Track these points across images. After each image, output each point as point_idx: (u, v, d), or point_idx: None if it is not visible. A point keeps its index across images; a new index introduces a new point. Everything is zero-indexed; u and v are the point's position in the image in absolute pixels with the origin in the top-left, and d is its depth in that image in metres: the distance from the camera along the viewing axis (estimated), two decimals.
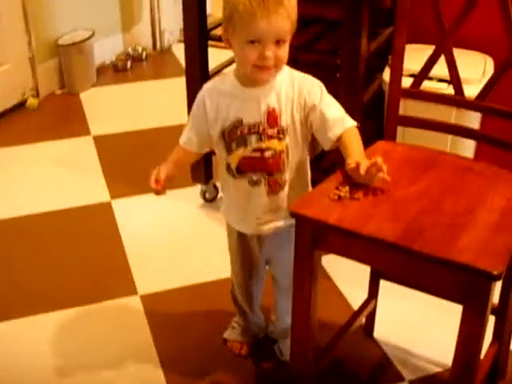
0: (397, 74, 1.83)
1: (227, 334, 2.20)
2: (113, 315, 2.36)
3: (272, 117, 1.72)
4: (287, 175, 1.80)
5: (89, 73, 4.05)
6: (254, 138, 1.74)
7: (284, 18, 1.60)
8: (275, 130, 1.73)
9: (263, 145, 1.74)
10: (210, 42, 2.67)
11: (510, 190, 1.67)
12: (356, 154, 1.66)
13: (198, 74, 2.65)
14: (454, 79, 1.80)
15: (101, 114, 3.76)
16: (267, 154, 1.75)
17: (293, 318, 1.77)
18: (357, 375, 2.14)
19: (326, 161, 2.54)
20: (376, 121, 2.71)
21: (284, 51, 1.64)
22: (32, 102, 3.81)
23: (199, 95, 1.80)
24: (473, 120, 2.42)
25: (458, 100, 1.83)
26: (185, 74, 2.71)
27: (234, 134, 1.75)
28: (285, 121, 1.73)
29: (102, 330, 2.29)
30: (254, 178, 1.78)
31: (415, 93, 1.86)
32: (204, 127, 1.79)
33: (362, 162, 1.61)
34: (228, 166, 1.80)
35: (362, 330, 2.25)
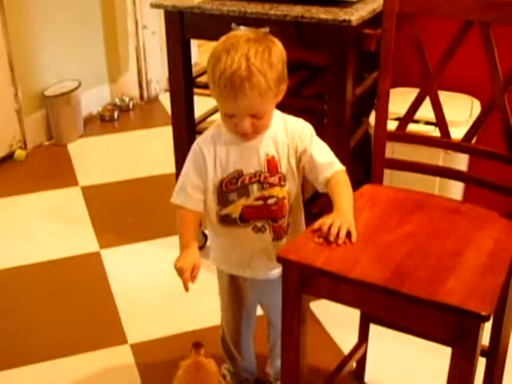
0: (382, 116, 1.85)
1: None
2: (103, 364, 2.33)
3: (272, 165, 1.73)
4: (290, 219, 1.81)
5: (76, 124, 4.06)
6: (255, 187, 1.74)
7: (255, 98, 1.57)
8: (276, 178, 1.74)
9: (266, 193, 1.75)
10: (196, 90, 2.70)
11: (497, 231, 1.68)
12: (338, 205, 1.66)
13: (184, 122, 2.68)
14: (440, 121, 1.83)
15: (88, 165, 3.77)
16: (270, 201, 1.75)
17: (282, 363, 1.75)
18: None
19: (314, 207, 2.55)
20: (363, 164, 2.73)
21: (264, 120, 1.66)
22: (20, 153, 3.82)
23: (194, 148, 1.76)
24: (460, 162, 2.44)
25: (444, 142, 1.85)
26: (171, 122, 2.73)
27: (233, 185, 1.74)
28: (284, 167, 1.74)
29: (94, 380, 2.27)
30: (259, 224, 1.78)
31: (401, 135, 1.88)
32: (204, 177, 1.74)
33: (323, 227, 1.61)
34: (225, 217, 1.78)
35: (352, 375, 2.23)
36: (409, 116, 1.86)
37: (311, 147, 1.73)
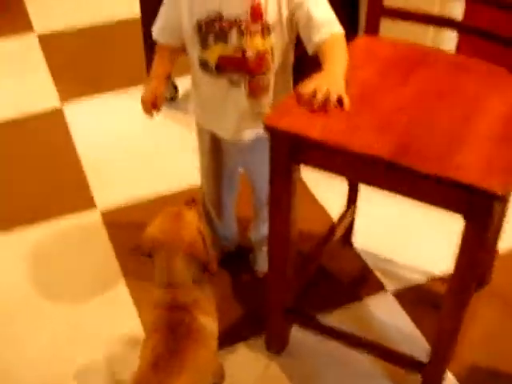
0: None
1: None
2: (72, 231, 2.19)
3: (256, 11, 1.53)
4: (271, 78, 1.63)
5: None
6: (234, 35, 1.56)
7: None
8: (259, 26, 1.54)
9: (245, 43, 1.55)
10: None
11: (507, 91, 1.50)
12: (327, 66, 1.47)
13: None
14: None
15: (44, 7, 3.43)
16: (249, 53, 1.57)
17: (270, 235, 1.62)
18: (338, 287, 2.03)
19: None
20: (349, 8, 2.49)
21: None
22: None
23: None
24: (455, 10, 2.22)
25: None
26: None
27: (211, 28, 1.56)
28: (271, 16, 1.54)
29: (61, 246, 2.15)
30: (235, 77, 1.61)
31: None
32: (176, 12, 1.60)
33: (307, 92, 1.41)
34: (205, 63, 1.62)
35: (341, 240, 2.10)
36: None
37: (309, 1, 1.53)
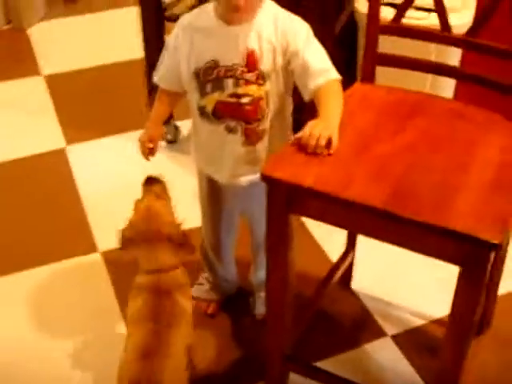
0: (374, 6, 1.63)
1: (194, 291, 2.00)
2: (73, 274, 2.21)
3: (251, 59, 1.58)
4: (267, 125, 1.66)
5: (36, 5, 3.73)
6: (230, 82, 1.60)
7: None
8: (254, 75, 1.59)
9: (240, 90, 1.60)
10: None
11: (503, 138, 1.52)
12: (322, 112, 1.50)
13: (152, 8, 2.45)
14: (439, 8, 1.60)
15: (51, 51, 3.46)
16: (244, 100, 1.61)
17: (268, 282, 1.62)
18: (337, 331, 2.03)
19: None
20: (347, 51, 2.52)
21: None
22: None
23: (174, 30, 1.68)
24: (453, 57, 2.25)
25: (446, 37, 1.63)
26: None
27: (208, 76, 1.61)
28: (265, 65, 1.59)
29: (62, 285, 2.17)
30: (232, 124, 1.65)
31: (397, 28, 1.66)
32: (176, 60, 1.66)
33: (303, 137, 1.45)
34: (203, 109, 1.66)
35: (340, 282, 2.10)
36: (403, 7, 1.64)
37: (305, 50, 1.57)
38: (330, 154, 1.43)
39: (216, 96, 1.62)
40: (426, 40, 1.66)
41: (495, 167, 1.42)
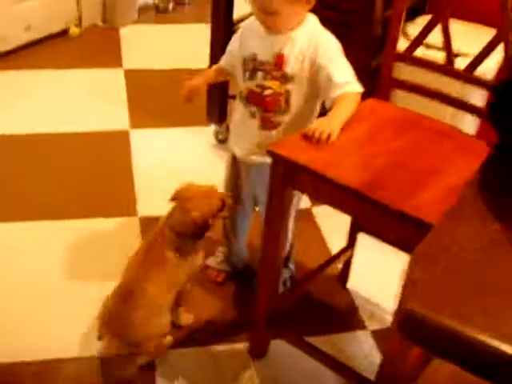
0: (393, 36, 1.92)
1: (209, 261, 2.35)
2: (113, 230, 2.54)
3: (279, 60, 1.89)
4: (284, 118, 1.94)
5: (131, 10, 4.18)
6: (260, 74, 1.92)
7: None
8: (279, 74, 1.89)
9: (266, 83, 1.91)
10: None
11: (478, 159, 1.76)
12: (331, 112, 1.80)
13: (222, 20, 2.79)
14: (446, 47, 1.89)
15: (135, 50, 3.91)
16: (267, 91, 1.91)
17: (262, 252, 1.91)
18: (322, 317, 2.28)
19: None
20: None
21: (281, 18, 1.83)
22: (74, 30, 3.98)
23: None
24: (477, 97, 2.49)
25: (446, 68, 1.92)
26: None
27: (248, 65, 1.94)
28: (291, 68, 1.88)
29: (99, 244, 2.48)
30: (253, 109, 1.96)
31: (407, 57, 1.96)
32: (234, 48, 2.01)
33: (309, 130, 1.74)
34: (240, 93, 1.99)
35: (336, 279, 2.38)
36: (419, 39, 1.93)
37: (332, 64, 1.85)
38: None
39: (249, 84, 1.94)
40: (430, 69, 1.94)
41: (464, 178, 1.67)
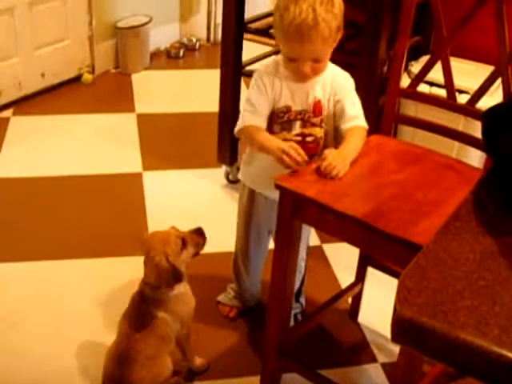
0: (395, 74, 1.99)
1: (220, 297, 2.41)
2: (120, 271, 2.58)
3: (317, 107, 1.94)
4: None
5: (143, 56, 4.30)
6: (298, 124, 1.95)
7: (318, 44, 1.79)
8: (319, 119, 1.95)
9: (306, 131, 1.95)
10: (249, 36, 2.87)
11: None
12: (342, 147, 1.86)
13: (231, 64, 2.88)
14: (447, 83, 1.95)
15: (147, 95, 4.02)
16: (309, 138, 1.96)
17: (271, 283, 1.94)
18: (333, 350, 2.31)
19: None
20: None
21: (322, 64, 1.87)
22: (87, 77, 4.09)
23: (255, 78, 1.94)
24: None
25: (448, 103, 1.98)
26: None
27: (280, 118, 1.94)
28: (326, 111, 1.95)
29: (108, 283, 2.53)
30: None
31: (410, 93, 2.02)
32: (262, 100, 1.91)
33: (322, 165, 1.78)
34: None
35: (347, 313, 2.41)
36: (420, 76, 2.00)
37: (346, 99, 1.93)
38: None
39: (283, 135, 1.94)
40: (432, 103, 2.01)
41: None
